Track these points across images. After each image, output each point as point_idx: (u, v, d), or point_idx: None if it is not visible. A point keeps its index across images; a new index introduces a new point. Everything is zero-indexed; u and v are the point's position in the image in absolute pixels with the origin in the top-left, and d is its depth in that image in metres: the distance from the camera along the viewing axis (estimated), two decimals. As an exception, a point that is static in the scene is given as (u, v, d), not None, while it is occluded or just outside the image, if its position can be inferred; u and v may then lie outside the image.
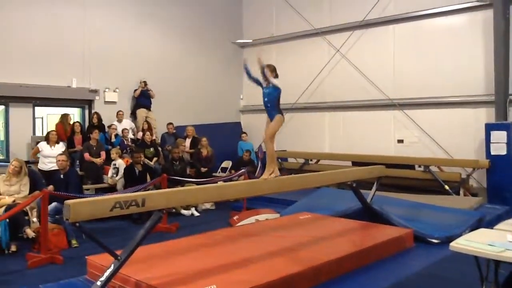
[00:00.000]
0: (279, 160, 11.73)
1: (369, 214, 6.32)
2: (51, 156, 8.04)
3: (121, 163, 9.04)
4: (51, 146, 8.60)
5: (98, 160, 9.16)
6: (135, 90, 11.39)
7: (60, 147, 8.71)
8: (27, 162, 7.56)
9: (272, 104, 4.95)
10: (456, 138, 10.20)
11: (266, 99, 4.97)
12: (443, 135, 10.44)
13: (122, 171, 8.92)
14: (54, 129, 9.46)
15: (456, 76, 10.23)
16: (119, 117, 10.77)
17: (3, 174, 6.75)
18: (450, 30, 10.48)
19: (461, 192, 9.09)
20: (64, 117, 9.96)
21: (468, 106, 10.18)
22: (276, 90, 4.93)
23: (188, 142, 11.02)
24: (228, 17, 14.22)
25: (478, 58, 10.03)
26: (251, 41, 14.15)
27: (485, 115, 9.90)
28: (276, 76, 4.98)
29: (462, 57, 10.21)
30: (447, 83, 10.36)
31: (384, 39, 11.49)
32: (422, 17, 10.86)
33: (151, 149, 10.14)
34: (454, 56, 10.31)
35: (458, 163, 9.48)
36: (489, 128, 8.94)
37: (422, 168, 9.51)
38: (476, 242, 3.54)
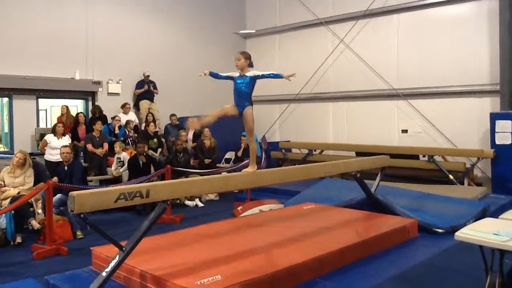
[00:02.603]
0: (283, 150, 11.76)
1: (373, 204, 6.31)
2: (58, 148, 8.08)
3: (125, 156, 9.06)
4: (58, 138, 8.65)
5: (99, 151, 9.16)
6: (138, 85, 11.37)
7: (67, 139, 8.75)
8: (31, 154, 7.58)
9: (247, 95, 4.59)
10: (461, 127, 10.15)
11: (241, 90, 4.59)
12: (448, 125, 10.40)
13: (127, 163, 8.95)
14: (57, 121, 9.49)
15: (461, 65, 10.15)
16: (126, 110, 10.78)
17: (8, 166, 6.78)
18: (455, 20, 10.39)
19: (466, 182, 9.07)
20: (62, 109, 9.98)
21: (472, 96, 10.13)
22: (254, 80, 4.58)
23: (190, 133, 11.01)
24: (231, 8, 14.15)
25: (483, 47, 9.95)
26: (254, 31, 14.10)
27: (490, 104, 9.85)
28: (251, 65, 4.66)
29: (467, 47, 10.13)
30: (451, 73, 10.29)
31: (388, 28, 11.41)
32: (426, 6, 10.79)
33: (155, 140, 10.16)
34: (459, 45, 10.22)
35: (463, 152, 9.45)
36: (494, 117, 8.89)
37: (426, 158, 9.49)
38: (481, 232, 3.53)
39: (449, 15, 10.52)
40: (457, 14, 10.41)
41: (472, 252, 3.84)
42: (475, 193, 7.82)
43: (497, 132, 8.78)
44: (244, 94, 4.60)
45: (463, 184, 9.01)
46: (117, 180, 8.87)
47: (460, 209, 6.47)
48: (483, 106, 9.91)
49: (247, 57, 4.63)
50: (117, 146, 9.19)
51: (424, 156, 9.64)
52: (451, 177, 8.99)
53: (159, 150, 10.10)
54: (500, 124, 8.76)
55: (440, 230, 5.78)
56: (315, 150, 11.33)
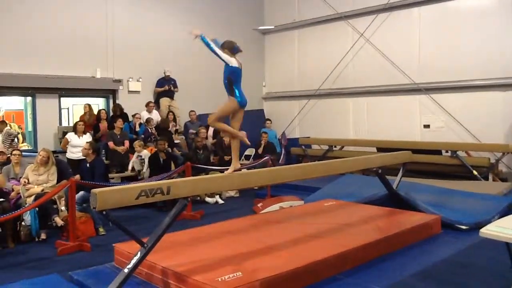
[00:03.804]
0: (303, 147, 11.70)
1: (395, 200, 6.24)
2: (79, 146, 8.21)
3: (146, 154, 9.11)
4: (79, 137, 8.77)
5: (120, 148, 9.26)
6: (158, 83, 11.46)
7: (87, 137, 8.86)
8: (53, 152, 7.70)
9: (226, 85, 4.49)
10: (485, 122, 9.94)
11: (224, 79, 4.49)
12: (471, 119, 10.19)
13: (146, 161, 9.01)
14: (79, 119, 9.62)
15: (484, 58, 9.93)
16: (150, 108, 10.85)
17: (32, 164, 6.89)
18: (478, 11, 10.17)
19: (490, 177, 8.89)
20: (85, 108, 10.12)
21: (497, 89, 9.90)
22: (227, 68, 4.42)
23: (210, 130, 11.03)
24: (249, 4, 14.11)
25: (507, 39, 9.72)
26: (273, 27, 14.04)
27: (515, 98, 9.64)
28: (235, 50, 4.51)
29: (490, 39, 9.91)
30: (474, 66, 10.07)
31: (409, 22, 11.23)
32: (448, -2, 10.59)
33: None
34: (482, 38, 10.01)
35: (487, 147, 9.27)
36: (520, 111, 8.70)
37: (449, 154, 9.34)
38: (508, 229, 3.45)
39: (472, 7, 10.29)
40: (480, 6, 10.18)
41: (497, 249, 3.77)
42: (500, 189, 7.66)
43: (522, 126, 8.59)
44: (224, 84, 4.51)
45: (487, 179, 8.83)
46: (138, 177, 8.95)
47: (484, 205, 6.35)
48: (507, 99, 9.69)
49: (227, 46, 4.55)
50: (137, 145, 9.22)
51: (447, 151, 9.48)
52: (475, 172, 8.82)
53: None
54: (525, 118, 8.56)
55: (464, 227, 5.69)
56: (335, 146, 11.25)
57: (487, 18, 9.98)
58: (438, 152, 9.66)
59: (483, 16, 10.05)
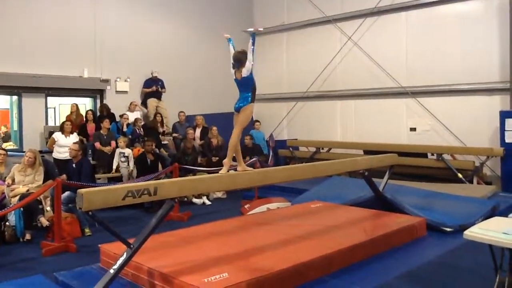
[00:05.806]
0: (291, 149, 11.74)
1: (381, 202, 6.27)
2: (66, 146, 8.13)
3: (129, 152, 9.03)
4: (66, 136, 8.70)
5: (107, 149, 9.19)
6: (145, 83, 11.42)
7: (74, 137, 8.79)
8: (40, 152, 7.62)
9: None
10: (470, 126, 10.07)
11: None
12: (457, 123, 10.31)
13: (132, 159, 8.94)
14: (66, 119, 9.53)
15: (470, 63, 10.06)
16: (132, 107, 10.81)
17: (18, 164, 6.82)
18: (464, 17, 10.30)
19: (475, 180, 9.01)
20: (72, 107, 10.04)
21: (482, 94, 10.04)
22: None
23: (198, 132, 11.01)
24: (239, 6, 14.12)
25: (493, 45, 9.87)
26: (262, 29, 14.06)
27: (500, 102, 9.77)
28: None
29: (476, 44, 10.04)
30: (461, 71, 10.20)
31: (397, 26, 11.33)
32: (435, 3, 10.71)
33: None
34: (468, 43, 10.14)
35: (472, 151, 9.38)
36: (504, 115, 8.84)
37: (435, 157, 9.43)
38: (491, 231, 3.50)
39: (458, 12, 10.42)
40: (466, 11, 10.32)
41: (481, 251, 3.82)
42: (484, 192, 7.76)
43: (506, 130, 8.74)
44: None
45: (472, 182, 8.94)
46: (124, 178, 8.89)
47: (469, 207, 6.42)
48: (493, 104, 9.82)
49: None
50: (121, 141, 9.09)
51: (432, 154, 9.58)
52: (460, 175, 8.93)
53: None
54: (510, 122, 8.71)
55: (448, 229, 5.74)
56: (322, 148, 11.30)
57: (473, 23, 10.12)
58: (424, 155, 9.76)
59: (469, 21, 10.18)
